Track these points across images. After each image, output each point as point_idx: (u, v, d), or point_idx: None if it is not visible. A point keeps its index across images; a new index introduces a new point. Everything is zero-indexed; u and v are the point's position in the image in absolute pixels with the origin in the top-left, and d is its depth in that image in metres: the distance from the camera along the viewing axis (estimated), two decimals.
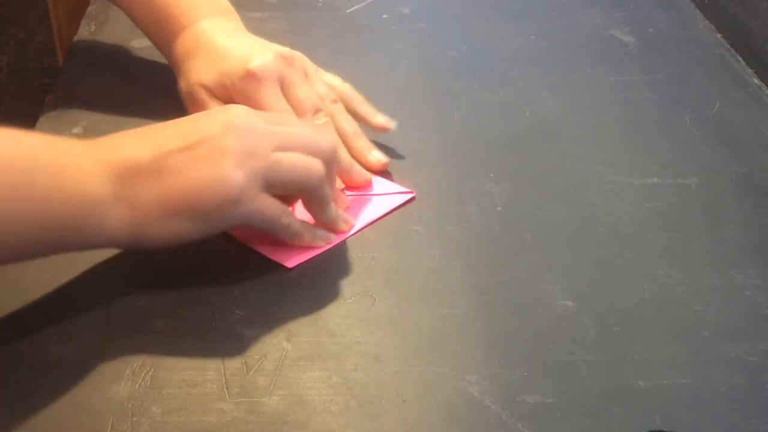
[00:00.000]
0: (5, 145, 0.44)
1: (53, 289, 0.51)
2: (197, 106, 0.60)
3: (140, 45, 0.75)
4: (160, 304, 0.50)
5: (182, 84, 0.62)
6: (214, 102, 0.59)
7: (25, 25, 0.75)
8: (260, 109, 0.56)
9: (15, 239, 0.44)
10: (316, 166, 0.51)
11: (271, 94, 0.58)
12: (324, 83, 0.62)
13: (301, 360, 0.47)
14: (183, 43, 0.62)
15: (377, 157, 0.61)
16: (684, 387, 0.46)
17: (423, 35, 0.80)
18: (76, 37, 0.75)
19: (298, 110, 0.58)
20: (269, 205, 0.50)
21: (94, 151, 0.48)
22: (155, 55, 0.73)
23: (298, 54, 0.61)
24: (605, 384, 0.46)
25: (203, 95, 0.60)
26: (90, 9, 0.80)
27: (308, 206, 0.54)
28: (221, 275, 0.52)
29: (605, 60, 0.76)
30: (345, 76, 0.71)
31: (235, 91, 0.58)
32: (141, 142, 0.49)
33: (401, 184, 0.60)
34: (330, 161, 0.53)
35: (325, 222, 0.55)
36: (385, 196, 0.59)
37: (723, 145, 0.66)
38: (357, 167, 0.59)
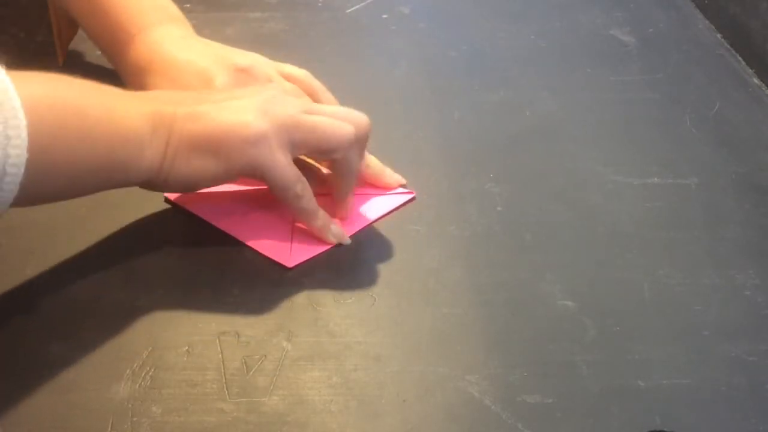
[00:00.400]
0: (60, 86, 0.47)
1: (53, 289, 0.51)
2: None
3: None
4: (159, 304, 0.50)
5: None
6: None
7: (25, 25, 0.75)
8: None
9: (67, 170, 0.46)
10: (345, 128, 0.53)
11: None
12: (285, 82, 0.60)
13: (301, 360, 0.47)
14: (135, 54, 0.59)
15: None
16: (684, 387, 0.46)
17: (423, 35, 0.80)
18: (76, 37, 0.75)
19: None
20: (286, 164, 0.51)
21: (137, 98, 0.51)
22: None
23: (255, 61, 0.60)
24: (605, 384, 0.46)
25: None
26: None
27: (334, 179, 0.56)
28: (221, 275, 0.52)
29: (605, 60, 0.76)
30: (345, 76, 0.71)
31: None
32: (180, 100, 0.52)
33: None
34: (362, 133, 0.54)
35: (341, 201, 0.56)
36: (386, 196, 0.59)
37: (723, 145, 0.66)
38: (388, 170, 0.60)
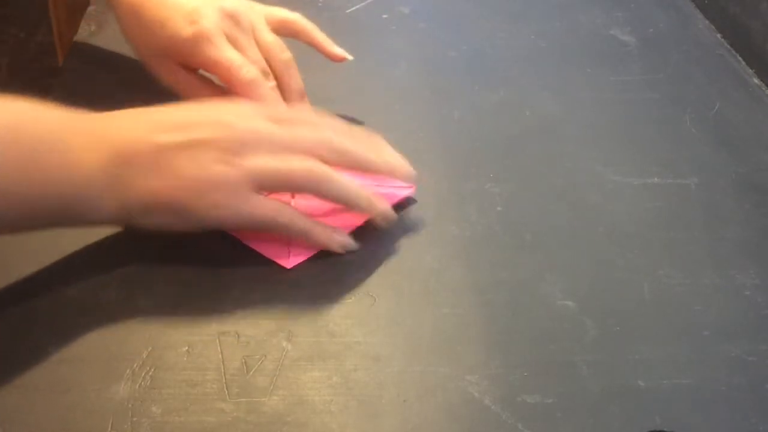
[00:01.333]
0: (14, 116, 0.46)
1: (53, 289, 0.51)
2: (160, 75, 0.61)
3: None
4: (159, 304, 0.50)
5: (137, 52, 0.61)
6: (173, 66, 0.60)
7: (25, 25, 0.75)
8: (213, 66, 0.58)
9: (15, 210, 0.46)
10: (314, 171, 0.51)
11: (223, 50, 0.58)
12: (270, 33, 0.61)
13: (301, 360, 0.47)
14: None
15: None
16: (684, 387, 0.46)
17: (423, 35, 0.80)
18: (76, 37, 0.75)
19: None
20: (262, 206, 0.50)
21: (94, 127, 0.49)
22: None
23: (242, 6, 0.59)
24: (605, 384, 0.46)
25: (160, 64, 0.60)
26: (90, 9, 0.80)
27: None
28: (221, 275, 0.52)
29: (605, 60, 0.76)
30: (345, 76, 0.71)
31: (186, 53, 0.58)
32: (140, 126, 0.49)
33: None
34: (336, 160, 0.52)
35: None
36: (385, 191, 0.58)
37: (723, 145, 0.66)
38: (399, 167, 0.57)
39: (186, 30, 0.58)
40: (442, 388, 0.46)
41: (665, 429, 0.44)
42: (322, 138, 0.52)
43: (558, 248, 0.56)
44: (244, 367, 0.47)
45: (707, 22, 0.83)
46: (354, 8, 0.83)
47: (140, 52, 0.62)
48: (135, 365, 0.46)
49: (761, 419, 0.45)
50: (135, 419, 0.44)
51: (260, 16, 0.61)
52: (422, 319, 0.50)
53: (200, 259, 0.53)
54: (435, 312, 0.51)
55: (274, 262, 0.53)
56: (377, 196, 0.55)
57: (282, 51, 0.61)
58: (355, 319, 0.50)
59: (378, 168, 0.55)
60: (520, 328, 0.50)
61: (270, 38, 0.61)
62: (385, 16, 0.82)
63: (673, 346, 0.49)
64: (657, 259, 0.55)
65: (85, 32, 0.77)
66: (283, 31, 0.63)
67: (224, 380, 0.46)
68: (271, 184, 0.51)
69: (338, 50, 0.64)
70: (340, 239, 0.54)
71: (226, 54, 0.58)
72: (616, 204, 0.59)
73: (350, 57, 0.63)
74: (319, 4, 0.84)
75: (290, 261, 0.53)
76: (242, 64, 0.58)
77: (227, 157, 0.49)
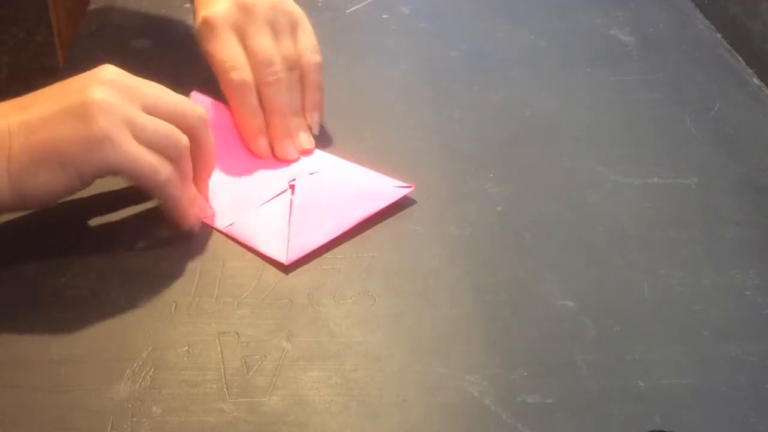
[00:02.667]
0: None
1: (53, 288, 0.51)
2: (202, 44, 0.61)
3: (140, 45, 0.75)
4: (159, 304, 0.50)
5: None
6: (215, 39, 0.60)
7: (25, 25, 0.75)
8: (210, 59, 0.58)
9: None
10: (177, 136, 0.51)
11: (225, 43, 0.58)
12: (294, 44, 0.61)
13: (301, 360, 0.47)
14: None
15: (303, 140, 0.61)
16: (684, 387, 0.46)
17: (423, 35, 0.80)
18: (76, 37, 0.76)
19: (251, 61, 0.59)
20: (139, 152, 0.49)
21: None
22: (156, 56, 0.73)
23: (265, 3, 0.60)
24: (605, 384, 0.46)
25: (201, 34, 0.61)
26: (90, 9, 0.80)
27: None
28: (220, 276, 0.52)
29: (605, 60, 0.76)
30: (345, 76, 0.71)
31: (199, 38, 0.59)
32: (11, 109, 0.49)
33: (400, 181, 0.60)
34: (196, 134, 0.53)
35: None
36: (383, 189, 0.58)
37: (723, 145, 0.66)
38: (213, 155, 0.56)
39: (198, 17, 0.58)
40: (442, 388, 0.46)
41: (665, 429, 0.44)
42: (181, 102, 0.53)
43: (558, 248, 0.56)
44: (244, 367, 0.47)
45: (707, 22, 0.83)
46: (354, 8, 0.83)
47: None
48: (135, 365, 0.47)
49: (761, 419, 0.45)
50: (135, 419, 0.44)
51: (293, 24, 0.61)
52: (422, 319, 0.50)
53: (200, 259, 0.53)
54: (435, 312, 0.51)
55: (274, 261, 0.53)
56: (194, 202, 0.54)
57: (313, 53, 0.61)
58: (355, 319, 0.50)
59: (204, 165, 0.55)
60: (519, 328, 0.50)
61: (308, 40, 0.61)
62: (385, 16, 0.82)
63: (673, 346, 0.49)
64: (657, 259, 0.55)
65: (85, 32, 0.77)
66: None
67: (224, 380, 0.46)
68: (143, 134, 0.50)
69: (312, 120, 0.63)
70: (195, 214, 0.54)
71: (223, 50, 0.58)
72: (616, 204, 0.59)
73: (314, 132, 0.63)
74: (319, 4, 0.84)
75: (288, 258, 0.53)
76: (235, 65, 0.58)
77: (99, 103, 0.48)
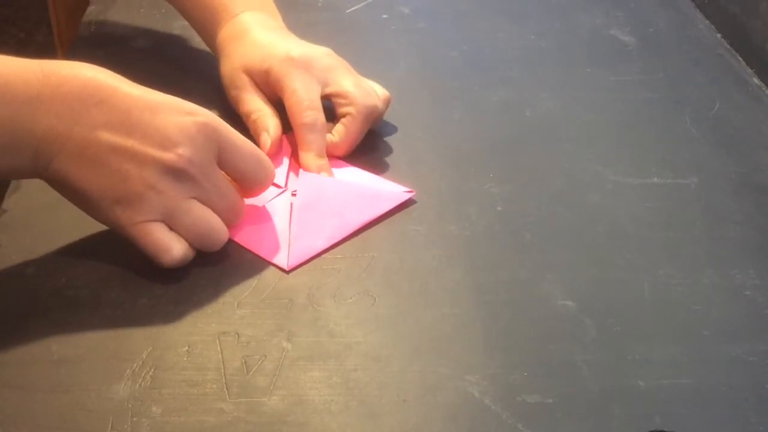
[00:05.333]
0: None
1: (53, 288, 0.51)
2: (236, 90, 0.63)
3: (140, 45, 0.75)
4: (159, 304, 0.50)
5: (224, 68, 0.65)
6: (252, 88, 0.63)
7: (25, 25, 0.75)
8: (287, 92, 0.60)
9: None
10: (215, 234, 0.52)
11: (302, 77, 0.60)
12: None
13: (301, 360, 0.47)
14: (227, 32, 0.65)
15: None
16: (684, 387, 0.46)
17: (423, 35, 0.80)
18: (76, 37, 0.76)
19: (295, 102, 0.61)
20: (149, 234, 0.50)
21: (44, 94, 0.48)
22: (155, 56, 0.73)
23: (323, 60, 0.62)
24: (605, 384, 0.46)
25: (244, 79, 0.63)
26: (90, 9, 0.80)
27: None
28: (220, 276, 0.52)
29: (605, 60, 0.76)
30: None
31: (273, 73, 0.61)
32: (74, 112, 0.48)
33: (401, 184, 0.60)
34: (253, 188, 0.55)
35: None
36: (385, 194, 0.59)
37: (723, 145, 0.66)
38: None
39: (282, 53, 0.61)
40: (442, 388, 0.46)
41: (665, 429, 0.44)
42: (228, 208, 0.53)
43: (558, 248, 0.56)
44: (244, 367, 0.47)
45: (707, 22, 0.83)
46: (354, 8, 0.83)
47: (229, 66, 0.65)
48: (135, 365, 0.47)
49: (761, 419, 0.45)
50: (135, 419, 0.44)
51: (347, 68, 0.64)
52: (422, 319, 0.50)
53: (200, 259, 0.53)
54: (435, 312, 0.51)
55: (273, 265, 0.53)
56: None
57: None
58: (355, 319, 0.50)
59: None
60: (520, 328, 0.50)
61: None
62: (385, 16, 0.82)
63: (673, 346, 0.49)
64: (657, 259, 0.55)
65: (85, 32, 0.77)
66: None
67: (224, 380, 0.46)
68: (178, 224, 0.51)
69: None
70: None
71: (302, 90, 0.60)
72: (615, 204, 0.59)
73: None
74: (319, 4, 0.84)
75: (289, 264, 0.53)
76: (309, 105, 0.60)
77: (148, 183, 0.49)
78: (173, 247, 0.51)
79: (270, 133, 0.61)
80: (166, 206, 0.50)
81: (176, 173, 0.49)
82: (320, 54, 0.62)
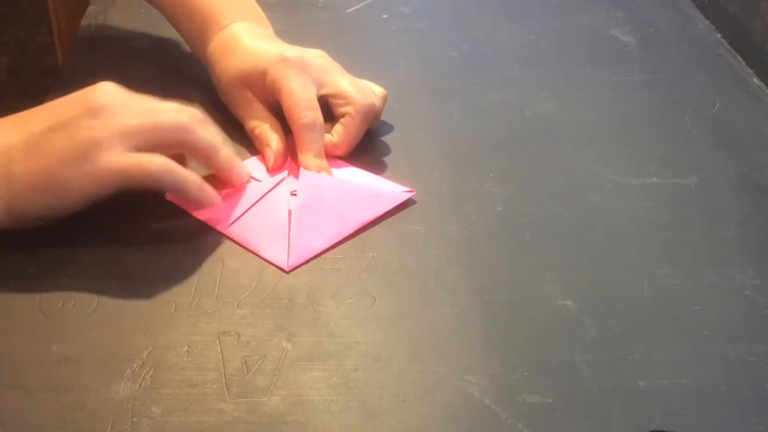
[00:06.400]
0: None
1: (53, 288, 0.51)
2: (235, 107, 0.64)
3: (140, 45, 0.75)
4: (159, 304, 0.50)
5: (219, 81, 0.65)
6: (250, 101, 0.63)
7: (25, 25, 0.75)
8: (284, 93, 0.60)
9: None
10: (181, 118, 0.53)
11: (299, 78, 0.60)
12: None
13: (301, 360, 0.47)
14: (218, 43, 0.65)
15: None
16: (684, 387, 0.46)
17: (423, 35, 0.80)
18: (76, 37, 0.75)
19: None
20: (133, 158, 0.51)
21: None
22: (155, 56, 0.73)
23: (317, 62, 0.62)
24: (605, 384, 0.46)
25: (240, 95, 0.63)
26: (90, 9, 0.80)
27: (197, 157, 0.56)
28: (220, 276, 0.52)
29: (605, 60, 0.76)
30: None
31: (269, 75, 0.61)
32: (12, 128, 0.51)
33: (401, 184, 0.60)
34: (186, 139, 0.54)
35: (219, 167, 0.56)
36: (385, 194, 0.59)
37: (723, 145, 0.66)
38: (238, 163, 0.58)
39: (275, 55, 0.61)
40: (442, 388, 0.46)
41: (665, 429, 0.44)
42: (181, 117, 0.54)
43: (558, 248, 0.56)
44: (244, 367, 0.47)
45: (707, 22, 0.83)
46: (354, 8, 0.83)
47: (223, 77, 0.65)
48: (135, 365, 0.47)
49: (761, 419, 0.45)
50: (135, 419, 0.44)
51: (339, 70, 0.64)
52: (422, 319, 0.50)
53: (200, 260, 0.53)
54: (435, 312, 0.51)
55: (273, 265, 0.53)
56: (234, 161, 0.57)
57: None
58: (355, 319, 0.50)
59: (219, 159, 0.56)
60: (520, 328, 0.50)
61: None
62: (385, 16, 0.82)
63: (673, 346, 0.49)
64: (657, 259, 0.55)
65: (85, 32, 0.77)
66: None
67: (224, 380, 0.46)
68: (140, 137, 0.51)
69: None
70: (209, 194, 0.55)
71: (299, 90, 0.60)
72: (615, 204, 0.59)
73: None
74: (319, 4, 0.84)
75: (289, 264, 0.53)
76: (308, 106, 0.60)
77: (93, 122, 0.50)
78: (154, 156, 0.52)
79: (273, 149, 0.61)
80: (119, 135, 0.51)
81: (100, 109, 0.51)
82: (314, 55, 0.62)
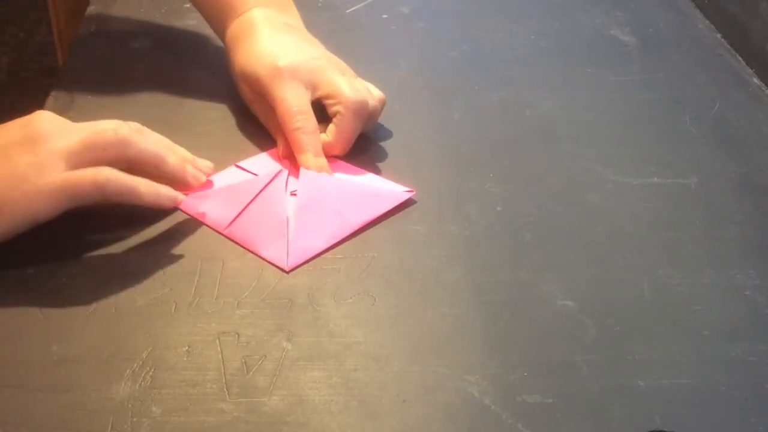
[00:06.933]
0: None
1: (53, 288, 0.51)
2: (243, 92, 0.65)
3: (140, 45, 0.75)
4: (159, 305, 0.50)
5: (232, 69, 0.65)
6: (248, 92, 0.64)
7: (25, 25, 0.75)
8: (277, 101, 0.60)
9: None
10: (120, 130, 0.53)
11: (290, 86, 0.60)
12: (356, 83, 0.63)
13: (301, 360, 0.47)
14: (234, 29, 0.65)
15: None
16: (684, 387, 0.46)
17: (423, 35, 0.80)
18: (76, 37, 0.75)
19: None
20: (77, 174, 0.51)
21: None
22: (155, 56, 0.73)
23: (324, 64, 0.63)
24: (605, 384, 0.46)
25: (243, 84, 0.64)
26: (90, 9, 0.80)
27: (145, 168, 0.55)
28: (220, 276, 0.52)
29: (605, 60, 0.76)
30: None
31: (261, 85, 0.61)
32: None
33: (401, 184, 0.60)
34: (127, 150, 0.54)
35: (170, 174, 0.56)
36: (385, 194, 0.59)
37: (723, 145, 0.66)
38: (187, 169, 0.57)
39: (270, 65, 0.61)
40: (442, 388, 0.46)
41: (665, 429, 0.44)
42: (120, 131, 0.54)
43: (558, 248, 0.56)
44: (244, 367, 0.47)
45: (707, 22, 0.83)
46: (354, 8, 0.83)
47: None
48: (135, 365, 0.47)
49: (761, 419, 0.45)
50: (135, 419, 0.44)
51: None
52: (422, 319, 0.50)
53: (200, 259, 0.53)
54: (435, 312, 0.51)
55: (273, 265, 0.53)
56: (180, 170, 0.56)
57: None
58: (355, 319, 0.50)
59: (167, 168, 0.56)
60: (520, 328, 0.50)
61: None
62: (385, 16, 0.82)
63: (673, 346, 0.49)
64: (657, 259, 0.55)
65: (85, 32, 0.77)
66: None
67: (224, 380, 0.46)
68: (81, 156, 0.51)
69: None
70: (166, 193, 0.55)
71: (290, 98, 0.60)
72: (615, 204, 0.59)
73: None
74: (319, 4, 0.84)
75: (289, 264, 0.53)
76: (299, 111, 0.60)
77: (33, 147, 0.50)
78: (99, 168, 0.51)
79: (280, 148, 0.62)
80: (60, 155, 0.51)
81: (39, 134, 0.51)
82: (308, 57, 0.62)
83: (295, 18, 0.67)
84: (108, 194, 0.52)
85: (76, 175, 0.51)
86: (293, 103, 0.60)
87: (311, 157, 0.60)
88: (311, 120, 0.60)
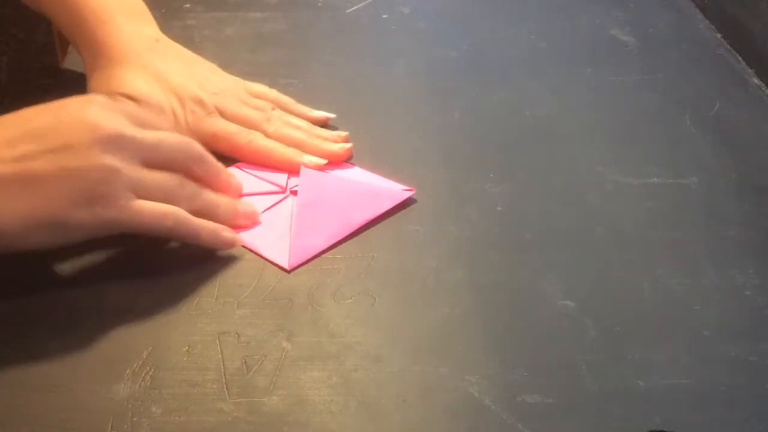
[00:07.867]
0: None
1: (53, 288, 0.51)
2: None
3: None
4: (159, 305, 0.50)
5: (104, 89, 0.59)
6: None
7: (25, 25, 0.75)
8: (213, 139, 0.59)
9: None
10: (179, 186, 0.52)
11: (218, 124, 0.60)
12: (257, 99, 0.63)
13: (301, 360, 0.47)
14: (105, 41, 0.60)
15: (337, 147, 0.62)
16: (684, 387, 0.46)
17: (423, 35, 0.80)
18: None
19: (248, 127, 0.61)
20: (146, 210, 0.49)
21: None
22: None
23: (227, 86, 0.62)
24: (605, 384, 0.46)
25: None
26: None
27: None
28: (220, 276, 0.52)
29: (605, 60, 0.76)
30: (345, 76, 0.71)
31: (183, 114, 0.59)
32: (2, 152, 0.46)
33: (401, 183, 0.60)
34: (199, 165, 0.53)
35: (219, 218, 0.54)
36: (385, 193, 0.59)
37: (723, 145, 0.66)
38: (224, 173, 0.56)
39: (190, 93, 0.60)
40: (442, 388, 0.46)
41: (665, 429, 0.44)
42: (182, 141, 0.53)
43: (558, 248, 0.56)
44: (244, 367, 0.47)
45: (707, 22, 0.83)
46: (354, 8, 0.83)
47: None
48: (135, 365, 0.47)
49: (761, 419, 0.45)
50: (135, 419, 0.44)
51: (245, 92, 0.63)
52: (422, 319, 0.50)
53: (200, 260, 0.53)
54: (435, 312, 0.51)
55: (274, 262, 0.53)
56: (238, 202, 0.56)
57: (270, 92, 0.65)
58: (355, 319, 0.50)
59: (224, 186, 0.56)
60: (519, 328, 0.50)
61: (260, 104, 0.63)
62: (385, 16, 0.82)
63: (673, 346, 0.49)
64: (657, 259, 0.55)
65: None
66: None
67: (224, 380, 0.46)
68: (152, 185, 0.50)
69: (318, 114, 0.65)
70: (224, 238, 0.53)
71: (222, 126, 0.60)
72: (616, 204, 0.59)
73: (332, 115, 0.65)
74: (319, 4, 0.84)
75: (290, 263, 0.53)
76: (237, 130, 0.60)
77: (104, 159, 0.47)
78: (168, 210, 0.50)
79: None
80: (129, 178, 0.48)
81: (114, 141, 0.48)
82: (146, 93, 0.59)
83: (157, 30, 0.63)
84: (170, 236, 0.52)
85: (146, 215, 0.49)
86: (221, 128, 0.60)
87: (296, 152, 0.60)
88: (244, 129, 0.60)
